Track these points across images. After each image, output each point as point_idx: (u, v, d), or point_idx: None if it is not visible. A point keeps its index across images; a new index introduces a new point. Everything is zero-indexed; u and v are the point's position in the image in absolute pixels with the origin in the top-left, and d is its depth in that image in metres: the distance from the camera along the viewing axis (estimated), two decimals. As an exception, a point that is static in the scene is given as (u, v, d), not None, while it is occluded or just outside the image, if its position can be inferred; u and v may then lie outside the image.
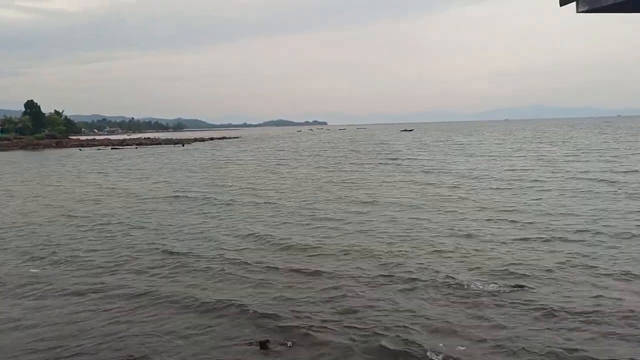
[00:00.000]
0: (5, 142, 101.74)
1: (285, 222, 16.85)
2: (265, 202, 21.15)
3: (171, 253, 13.31)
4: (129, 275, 11.56)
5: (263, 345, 7.70)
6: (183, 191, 25.94)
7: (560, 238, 13.32)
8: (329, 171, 34.61)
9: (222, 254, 12.96)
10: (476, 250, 12.43)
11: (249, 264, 12.03)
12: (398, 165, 37.24)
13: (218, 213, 19.13)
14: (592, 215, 15.97)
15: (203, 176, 33.77)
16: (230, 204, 21.22)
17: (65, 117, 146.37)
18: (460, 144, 64.17)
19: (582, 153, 41.83)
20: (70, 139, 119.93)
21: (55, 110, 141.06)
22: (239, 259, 12.44)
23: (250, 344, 7.84)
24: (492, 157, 41.20)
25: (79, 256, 13.42)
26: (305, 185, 26.64)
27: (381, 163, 39.19)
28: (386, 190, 23.43)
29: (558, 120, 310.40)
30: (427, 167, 34.01)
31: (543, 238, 13.34)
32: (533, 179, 25.77)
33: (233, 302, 9.51)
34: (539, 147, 52.10)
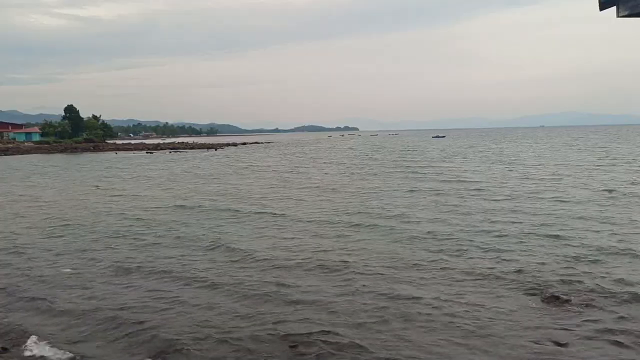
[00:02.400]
0: (45, 145, 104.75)
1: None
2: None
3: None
4: None
5: (292, 347, 7.79)
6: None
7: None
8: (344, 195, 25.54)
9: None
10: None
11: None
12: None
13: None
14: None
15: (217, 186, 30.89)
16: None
17: (103, 121, 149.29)
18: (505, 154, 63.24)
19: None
20: (107, 143, 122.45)
21: (93, 115, 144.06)
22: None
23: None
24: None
25: None
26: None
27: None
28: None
29: (596, 127, 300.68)
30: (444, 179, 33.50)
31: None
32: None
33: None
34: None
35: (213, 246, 14.41)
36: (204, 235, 15.96)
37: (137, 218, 19.68)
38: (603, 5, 4.91)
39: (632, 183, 25.85)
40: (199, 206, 22.28)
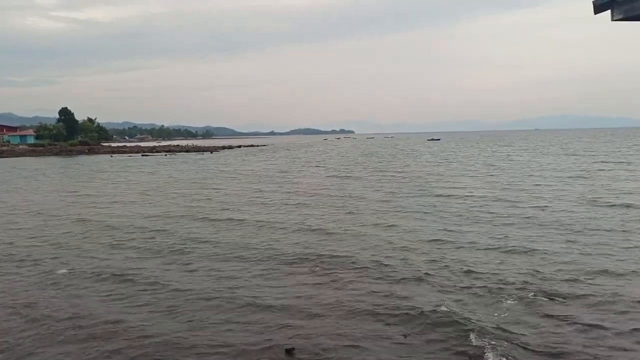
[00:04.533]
0: (40, 148, 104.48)
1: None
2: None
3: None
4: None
5: (289, 352, 7.73)
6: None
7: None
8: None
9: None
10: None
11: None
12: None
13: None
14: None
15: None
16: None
17: (98, 124, 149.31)
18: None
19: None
20: (102, 145, 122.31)
21: (88, 118, 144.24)
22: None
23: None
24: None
25: None
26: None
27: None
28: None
29: (593, 131, 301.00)
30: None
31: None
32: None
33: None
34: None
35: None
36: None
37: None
38: (598, 9, 4.92)
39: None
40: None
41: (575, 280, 10.77)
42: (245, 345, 8.11)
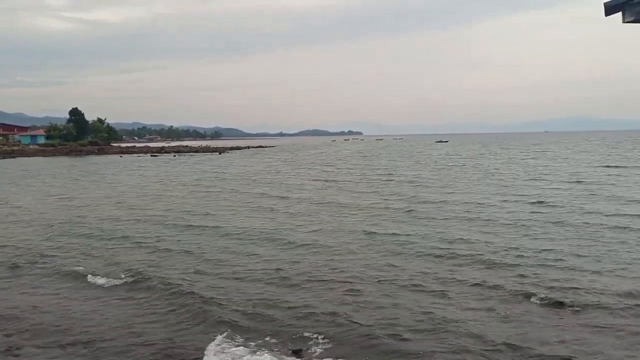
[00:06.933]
0: (50, 148, 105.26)
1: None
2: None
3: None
4: None
5: (296, 353, 7.73)
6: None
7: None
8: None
9: None
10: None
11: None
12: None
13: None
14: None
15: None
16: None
17: (108, 124, 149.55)
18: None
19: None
20: (111, 146, 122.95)
21: (98, 118, 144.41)
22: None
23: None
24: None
25: None
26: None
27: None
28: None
29: (603, 133, 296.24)
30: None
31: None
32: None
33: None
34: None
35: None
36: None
37: None
38: (609, 11, 4.90)
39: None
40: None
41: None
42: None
